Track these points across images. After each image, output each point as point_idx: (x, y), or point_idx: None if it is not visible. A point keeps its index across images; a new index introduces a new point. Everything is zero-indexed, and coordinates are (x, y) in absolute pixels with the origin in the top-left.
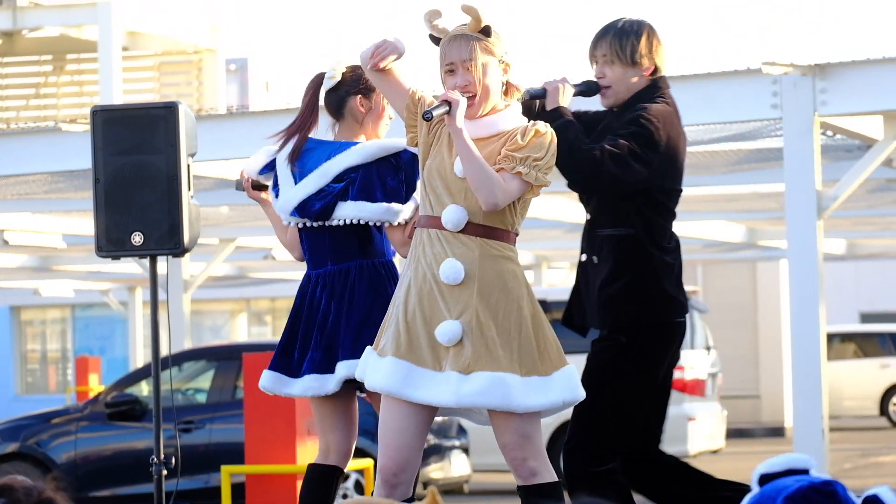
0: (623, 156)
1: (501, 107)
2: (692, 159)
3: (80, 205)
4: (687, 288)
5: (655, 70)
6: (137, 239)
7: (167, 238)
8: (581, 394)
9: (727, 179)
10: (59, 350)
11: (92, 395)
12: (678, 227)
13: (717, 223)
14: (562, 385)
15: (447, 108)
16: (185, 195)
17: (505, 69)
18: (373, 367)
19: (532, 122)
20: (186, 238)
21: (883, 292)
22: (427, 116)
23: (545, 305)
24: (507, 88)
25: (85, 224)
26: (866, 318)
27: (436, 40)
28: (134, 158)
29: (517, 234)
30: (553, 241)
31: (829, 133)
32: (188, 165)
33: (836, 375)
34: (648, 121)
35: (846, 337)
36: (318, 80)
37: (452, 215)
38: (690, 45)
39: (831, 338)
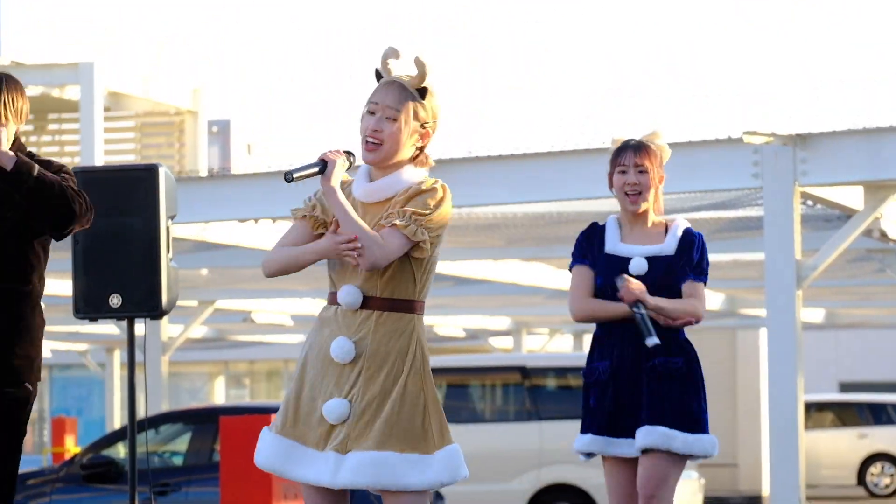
0: None
1: (402, 167)
2: None
3: (59, 265)
4: None
5: None
6: (116, 301)
7: (146, 300)
8: (463, 473)
9: (708, 248)
10: (36, 410)
11: (68, 456)
12: None
13: None
14: (444, 465)
15: (322, 166)
16: (165, 258)
17: (424, 136)
18: (259, 442)
19: (422, 179)
20: (165, 301)
21: (862, 362)
22: (288, 178)
23: (524, 372)
24: (420, 156)
25: (63, 285)
26: (846, 387)
27: (378, 77)
28: (113, 220)
29: (423, 304)
30: (533, 307)
31: (810, 203)
32: (167, 228)
33: (815, 444)
34: None
35: (824, 406)
36: None
37: (346, 296)
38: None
39: (809, 407)
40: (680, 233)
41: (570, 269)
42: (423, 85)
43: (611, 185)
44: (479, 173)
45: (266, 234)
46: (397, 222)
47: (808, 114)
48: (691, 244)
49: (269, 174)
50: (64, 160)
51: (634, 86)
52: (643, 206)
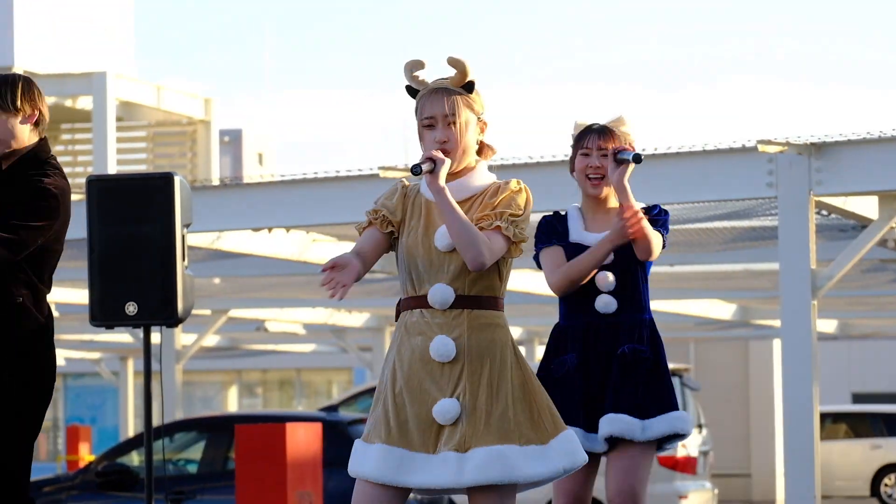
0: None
1: (473, 165)
2: (686, 237)
3: (74, 274)
4: (679, 365)
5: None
6: (132, 309)
7: (161, 308)
8: (582, 458)
9: (721, 257)
10: (51, 418)
11: (83, 464)
12: (672, 305)
13: (710, 301)
14: (561, 452)
15: (432, 165)
16: (180, 266)
17: (482, 128)
18: (360, 455)
19: (505, 180)
20: (180, 309)
21: (875, 373)
22: (416, 170)
23: None
24: (482, 148)
25: (78, 293)
26: (858, 398)
27: (412, 92)
28: (129, 228)
29: (503, 300)
30: (545, 317)
31: (824, 212)
32: (183, 236)
33: (828, 455)
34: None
35: (838, 417)
36: None
37: (439, 295)
38: (686, 122)
39: (823, 418)
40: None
41: (535, 258)
42: (467, 80)
43: (572, 170)
44: None
45: (279, 244)
46: (500, 224)
47: (824, 122)
48: (652, 218)
49: (283, 183)
50: (77, 170)
51: (646, 94)
52: (605, 191)
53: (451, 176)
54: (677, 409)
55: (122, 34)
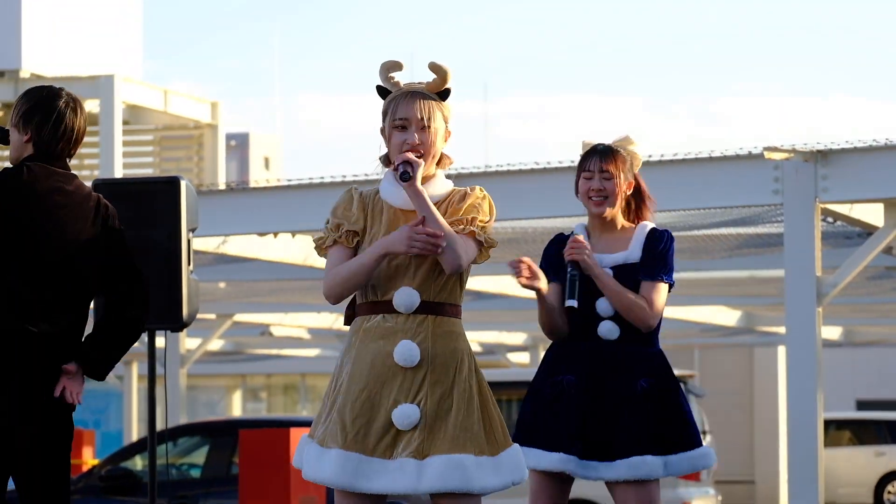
0: None
1: (434, 173)
2: (692, 243)
3: None
4: (684, 372)
5: None
6: None
7: (166, 313)
8: (525, 475)
9: (726, 264)
10: None
11: (86, 468)
12: (677, 312)
13: (715, 308)
14: (511, 465)
15: (410, 169)
16: (185, 270)
17: (446, 137)
18: (315, 460)
19: (469, 187)
20: (185, 313)
21: (880, 380)
22: (405, 177)
23: None
24: (441, 158)
25: None
26: (863, 405)
27: (383, 92)
28: (134, 233)
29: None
30: None
31: (830, 220)
32: (188, 240)
33: (832, 462)
34: None
35: (842, 424)
36: None
37: (405, 298)
38: (692, 129)
39: (827, 424)
40: (644, 236)
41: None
42: (444, 87)
43: (577, 191)
44: (497, 188)
45: (285, 248)
46: (473, 229)
47: (830, 129)
48: (656, 244)
49: (289, 188)
50: (83, 173)
51: (654, 100)
52: (608, 212)
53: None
54: (701, 444)
55: (130, 37)
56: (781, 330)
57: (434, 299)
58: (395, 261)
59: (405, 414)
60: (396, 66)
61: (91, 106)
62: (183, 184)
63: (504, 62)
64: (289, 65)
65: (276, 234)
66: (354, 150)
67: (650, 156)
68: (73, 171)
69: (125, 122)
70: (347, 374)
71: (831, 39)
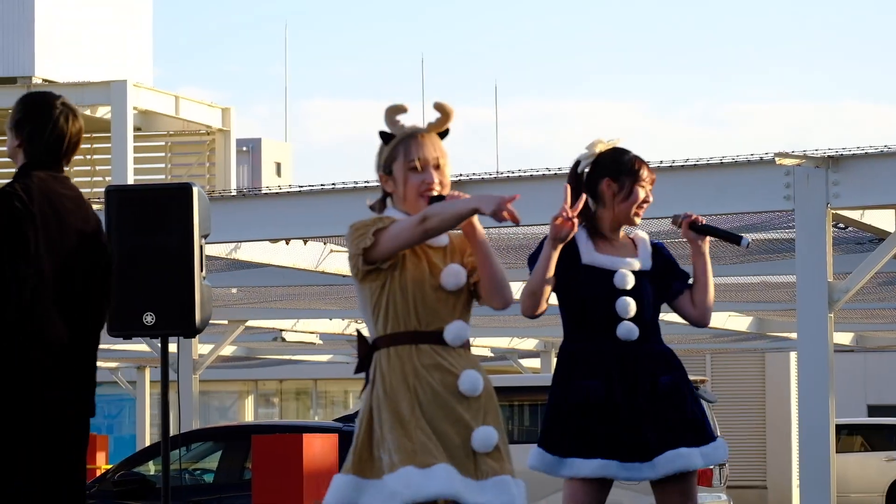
0: None
1: None
2: None
3: None
4: (695, 377)
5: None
6: (149, 319)
7: (179, 319)
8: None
9: (737, 270)
10: None
11: (100, 473)
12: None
13: (727, 313)
14: (521, 486)
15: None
16: (198, 276)
17: None
18: (422, 479)
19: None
20: (198, 319)
21: (891, 385)
22: (439, 198)
23: None
24: None
25: None
26: (874, 410)
27: (386, 137)
28: (147, 238)
29: None
30: (561, 327)
31: (841, 225)
32: (201, 246)
33: (843, 468)
34: None
35: (854, 429)
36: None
37: (458, 331)
38: (703, 134)
39: (839, 430)
40: (650, 247)
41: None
42: (447, 127)
43: (591, 194)
44: (508, 193)
45: (297, 254)
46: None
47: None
48: (665, 253)
49: (300, 193)
50: (95, 179)
51: (663, 105)
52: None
53: None
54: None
55: (141, 43)
56: (793, 335)
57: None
58: (438, 294)
59: (486, 435)
60: (401, 109)
61: (102, 112)
62: (195, 190)
63: (513, 66)
64: (301, 70)
65: (287, 241)
66: (366, 155)
67: (661, 162)
68: (69, 177)
69: (137, 129)
70: (409, 405)
71: (837, 44)
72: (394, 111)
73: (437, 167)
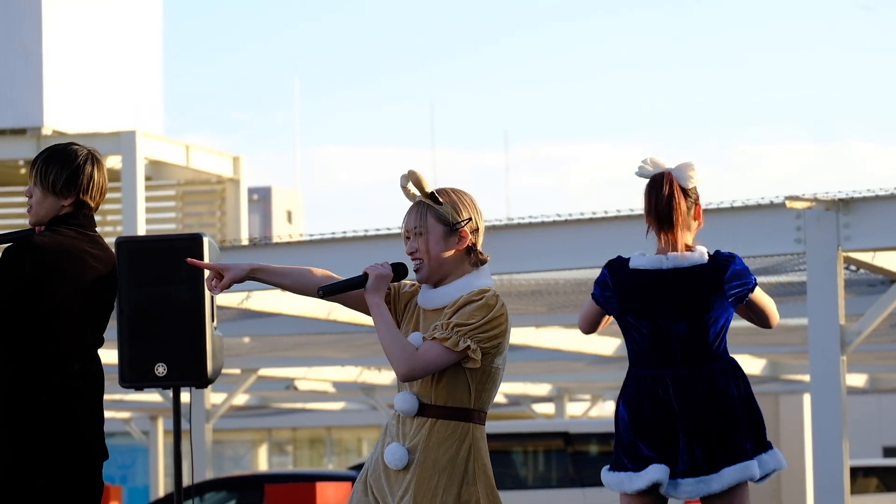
0: None
1: (458, 275)
2: None
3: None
4: None
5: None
6: (161, 370)
7: (191, 369)
8: None
9: None
10: None
11: None
12: None
13: (741, 356)
14: None
15: (364, 279)
16: (209, 326)
17: (462, 236)
18: None
19: (480, 289)
20: (210, 369)
21: None
22: (321, 293)
23: (567, 438)
24: (472, 256)
25: (107, 354)
26: (889, 451)
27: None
28: (158, 289)
29: (484, 413)
30: (575, 373)
31: (853, 268)
32: (212, 297)
33: None
34: None
35: (869, 471)
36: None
37: (402, 402)
38: (714, 179)
39: (854, 471)
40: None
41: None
42: (428, 192)
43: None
44: (521, 240)
45: (308, 303)
46: (437, 335)
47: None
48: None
49: (311, 242)
50: (106, 230)
51: (675, 149)
52: None
53: (440, 284)
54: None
55: (151, 93)
56: (806, 378)
57: (435, 402)
58: None
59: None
60: (407, 177)
61: (113, 162)
62: (206, 240)
63: (523, 111)
64: (311, 117)
65: None
66: (377, 201)
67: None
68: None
69: (147, 178)
70: (368, 466)
71: (842, 84)
72: (403, 181)
73: (419, 234)
